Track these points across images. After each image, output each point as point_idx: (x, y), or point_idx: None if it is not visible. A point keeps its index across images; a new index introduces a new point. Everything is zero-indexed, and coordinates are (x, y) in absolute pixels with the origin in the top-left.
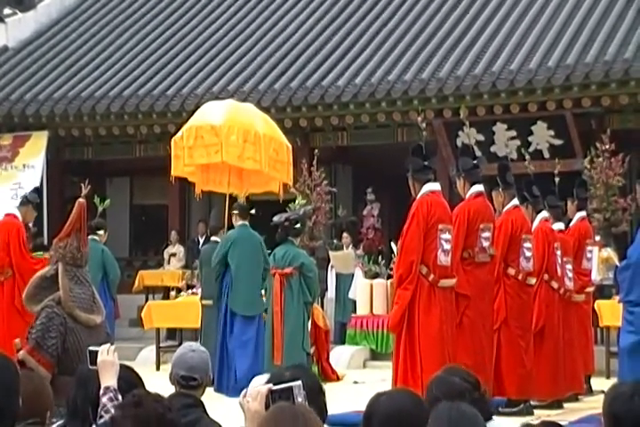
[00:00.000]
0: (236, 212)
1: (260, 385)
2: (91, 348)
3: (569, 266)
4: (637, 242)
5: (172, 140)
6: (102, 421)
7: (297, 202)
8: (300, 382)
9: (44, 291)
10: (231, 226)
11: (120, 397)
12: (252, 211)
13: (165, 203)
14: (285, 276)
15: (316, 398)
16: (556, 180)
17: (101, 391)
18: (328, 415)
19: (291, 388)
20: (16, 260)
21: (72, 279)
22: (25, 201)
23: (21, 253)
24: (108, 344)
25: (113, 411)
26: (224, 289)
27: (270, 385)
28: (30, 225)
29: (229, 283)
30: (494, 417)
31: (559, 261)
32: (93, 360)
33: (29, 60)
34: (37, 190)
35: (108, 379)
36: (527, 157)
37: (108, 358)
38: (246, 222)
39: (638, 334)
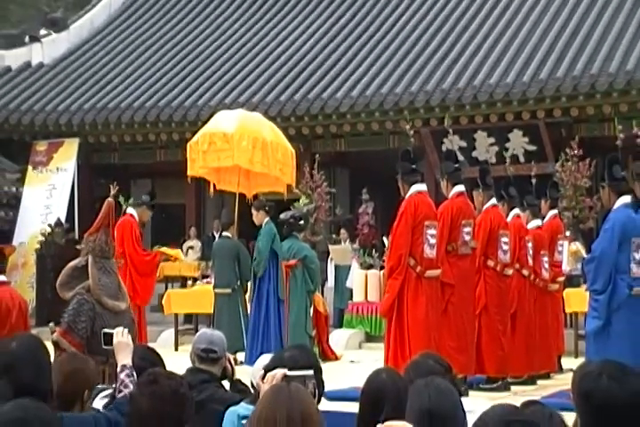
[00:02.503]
0: (262, 210)
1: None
2: (105, 330)
3: (545, 258)
4: (600, 237)
5: (188, 144)
6: (121, 395)
7: (301, 201)
8: (311, 372)
9: (75, 280)
10: (242, 222)
11: (135, 374)
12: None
13: (183, 202)
14: (290, 267)
15: (314, 374)
16: (533, 181)
17: (119, 369)
18: (328, 391)
19: (303, 376)
20: (129, 251)
21: (100, 270)
22: (140, 203)
23: (134, 246)
24: (122, 327)
25: (131, 387)
26: (270, 276)
27: (285, 370)
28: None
29: (275, 271)
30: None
31: (530, 253)
32: (107, 341)
33: (62, 75)
34: (150, 193)
35: (124, 357)
36: (507, 160)
37: (123, 340)
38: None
39: (601, 319)
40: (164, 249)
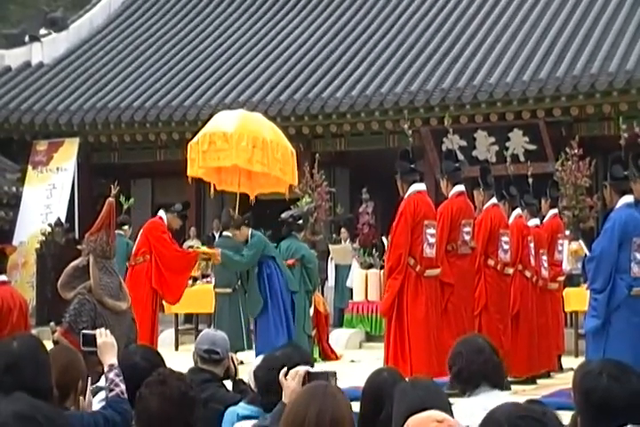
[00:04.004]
0: (242, 226)
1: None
2: (84, 331)
3: (545, 257)
4: (601, 237)
5: (189, 144)
6: (114, 393)
7: (304, 201)
8: (334, 371)
9: (76, 280)
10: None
11: (138, 374)
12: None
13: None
14: (288, 267)
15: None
16: (530, 181)
17: (106, 369)
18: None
19: (326, 373)
20: (158, 248)
21: (101, 270)
22: (172, 210)
23: (163, 243)
24: (103, 328)
25: (122, 386)
26: (277, 275)
27: (308, 367)
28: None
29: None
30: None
31: (532, 252)
32: (87, 342)
33: (62, 75)
34: (184, 204)
35: (111, 357)
36: (508, 159)
37: (108, 340)
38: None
39: (600, 318)
40: (203, 249)
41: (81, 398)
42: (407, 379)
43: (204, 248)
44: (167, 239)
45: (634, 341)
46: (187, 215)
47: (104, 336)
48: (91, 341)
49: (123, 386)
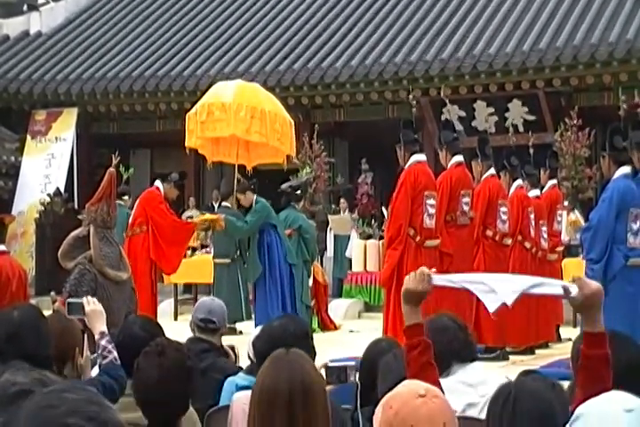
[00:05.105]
0: (248, 191)
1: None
2: (70, 300)
3: (544, 228)
4: (598, 207)
5: (187, 115)
6: (107, 360)
7: (304, 171)
8: (353, 363)
9: (76, 250)
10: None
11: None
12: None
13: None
14: (286, 236)
15: (304, 341)
16: (531, 151)
17: (97, 336)
18: (329, 360)
19: (345, 367)
20: (155, 219)
21: (102, 240)
22: (169, 180)
23: (160, 213)
24: (89, 296)
25: (115, 353)
26: (277, 245)
27: (327, 362)
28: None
29: (279, 239)
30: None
31: (532, 223)
32: (73, 310)
33: (61, 44)
34: (180, 173)
35: (100, 325)
36: (511, 129)
37: (97, 308)
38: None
39: None
40: (206, 216)
41: (79, 363)
42: (391, 352)
43: (207, 215)
44: (164, 210)
45: (630, 311)
46: (184, 185)
47: (92, 304)
48: (77, 309)
49: (115, 353)
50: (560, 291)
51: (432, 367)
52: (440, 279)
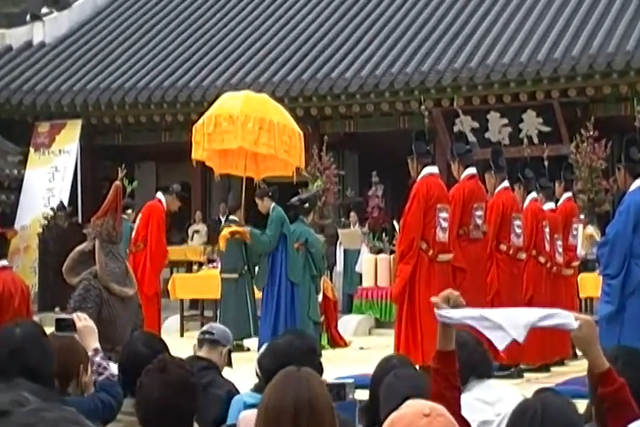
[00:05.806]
0: (266, 197)
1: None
2: (58, 316)
3: (559, 242)
4: (615, 221)
5: (194, 127)
6: (103, 377)
7: (315, 184)
8: (352, 381)
9: (81, 265)
10: (248, 206)
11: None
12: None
13: (188, 184)
14: (294, 249)
15: (310, 357)
16: (546, 163)
17: (91, 353)
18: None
19: (344, 384)
20: (152, 240)
21: (107, 255)
22: (170, 191)
23: (158, 235)
24: (79, 312)
25: (111, 369)
26: (282, 259)
27: (325, 379)
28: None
29: (285, 254)
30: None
31: (547, 237)
32: (61, 327)
33: (65, 54)
34: (182, 184)
35: (94, 341)
36: (525, 141)
37: (88, 324)
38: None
39: (614, 304)
40: (234, 227)
41: (83, 381)
42: (393, 372)
43: (234, 227)
44: (159, 228)
45: None
46: (186, 196)
47: (83, 320)
48: (66, 326)
49: (111, 369)
50: (570, 321)
51: (457, 391)
52: (441, 316)
